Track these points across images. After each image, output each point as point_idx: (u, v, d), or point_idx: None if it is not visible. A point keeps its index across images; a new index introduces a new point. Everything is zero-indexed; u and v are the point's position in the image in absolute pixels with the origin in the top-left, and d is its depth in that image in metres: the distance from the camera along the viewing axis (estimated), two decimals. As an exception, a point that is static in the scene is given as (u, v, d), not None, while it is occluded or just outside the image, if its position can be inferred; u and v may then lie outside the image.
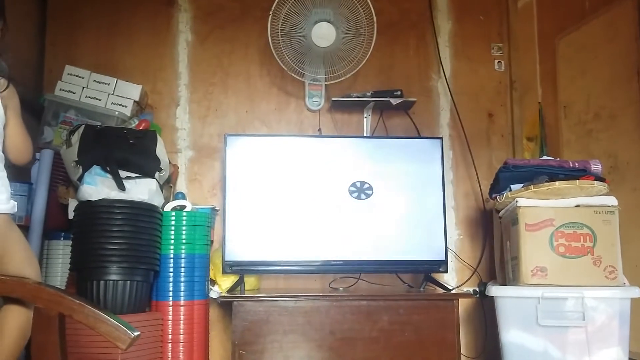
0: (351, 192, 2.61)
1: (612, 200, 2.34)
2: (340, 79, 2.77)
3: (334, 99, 2.87)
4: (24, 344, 1.62)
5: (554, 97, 3.13)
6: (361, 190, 2.62)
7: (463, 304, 2.80)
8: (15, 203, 1.66)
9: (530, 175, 2.41)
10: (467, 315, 2.86)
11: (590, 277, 2.27)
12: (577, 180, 2.30)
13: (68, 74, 2.65)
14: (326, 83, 2.86)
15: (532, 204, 2.36)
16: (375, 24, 2.71)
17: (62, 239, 2.46)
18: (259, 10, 2.90)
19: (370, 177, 2.63)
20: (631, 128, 2.76)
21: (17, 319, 1.59)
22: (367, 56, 2.74)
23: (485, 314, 2.79)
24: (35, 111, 2.62)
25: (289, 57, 2.72)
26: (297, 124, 2.96)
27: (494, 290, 2.38)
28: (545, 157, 2.65)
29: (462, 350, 2.50)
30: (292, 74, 2.76)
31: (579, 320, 2.24)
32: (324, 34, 2.71)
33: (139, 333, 1.32)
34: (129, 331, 1.30)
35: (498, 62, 3.10)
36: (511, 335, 2.31)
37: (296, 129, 2.95)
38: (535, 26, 3.29)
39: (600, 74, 2.97)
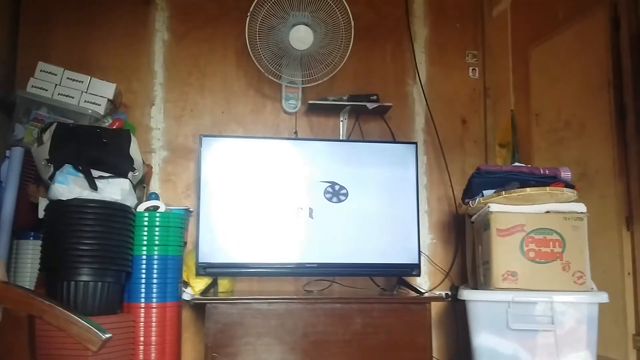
0: (326, 195, 2.62)
1: (581, 207, 2.39)
2: (317, 82, 2.77)
3: (310, 102, 2.88)
4: None
5: (527, 105, 3.18)
6: (336, 194, 2.62)
7: (435, 307, 2.82)
8: None
9: (502, 181, 2.45)
10: (439, 318, 2.89)
11: (560, 282, 2.31)
12: (548, 187, 2.35)
13: (41, 70, 2.60)
14: (303, 86, 2.86)
15: (503, 209, 2.39)
16: (352, 29, 2.72)
17: (31, 238, 2.41)
18: (237, 12, 2.89)
19: (345, 180, 2.64)
20: (601, 137, 2.82)
21: None
22: (344, 60, 2.75)
23: (457, 318, 2.82)
24: (7, 108, 2.57)
25: (266, 59, 2.72)
26: (273, 126, 2.95)
27: (466, 294, 2.41)
28: (517, 164, 2.70)
29: (434, 353, 2.52)
30: (269, 76, 2.76)
31: (549, 324, 2.28)
32: (301, 37, 2.72)
33: (110, 335, 1.30)
34: (100, 333, 1.28)
35: (472, 69, 3.15)
36: (482, 339, 2.34)
37: (272, 131, 2.94)
38: (510, 35, 3.35)
39: (572, 83, 3.03)
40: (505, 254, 2.34)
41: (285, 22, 2.71)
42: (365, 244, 2.60)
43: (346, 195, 2.63)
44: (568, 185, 2.40)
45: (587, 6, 2.93)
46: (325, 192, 2.62)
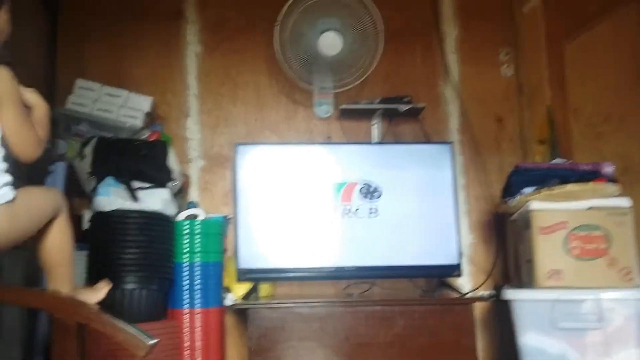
0: (362, 198, 2.61)
1: (625, 202, 2.33)
2: (348, 87, 2.78)
3: (342, 107, 2.88)
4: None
5: (563, 100, 3.11)
6: (372, 196, 2.62)
7: (479, 308, 2.79)
8: (9, 190, 1.41)
9: (542, 179, 2.40)
10: (483, 319, 2.85)
11: (606, 279, 2.25)
12: (590, 183, 2.30)
13: (79, 87, 2.67)
14: (334, 91, 2.86)
15: (544, 207, 2.35)
16: (381, 32, 2.72)
17: (77, 249, 2.45)
18: (266, 22, 2.91)
19: (381, 183, 2.63)
20: (642, 130, 2.75)
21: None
22: (374, 64, 2.76)
23: (502, 318, 2.77)
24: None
25: (296, 67, 2.74)
26: (306, 132, 2.97)
27: (510, 293, 2.36)
28: (556, 160, 2.65)
29: (479, 354, 2.48)
30: (300, 83, 2.78)
31: (596, 322, 2.21)
32: (330, 43, 2.73)
33: (156, 340, 1.32)
34: (146, 339, 1.30)
35: (506, 66, 3.11)
36: (528, 339, 2.29)
37: (305, 137, 2.95)
38: (543, 30, 3.29)
39: (608, 76, 2.96)
40: (548, 252, 2.30)
41: (313, 29, 2.73)
42: (404, 246, 2.59)
43: (382, 197, 2.62)
44: (610, 180, 2.35)
45: (619, -1, 2.87)
46: (361, 194, 2.61)
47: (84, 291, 1.62)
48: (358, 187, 2.62)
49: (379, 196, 2.62)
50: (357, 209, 2.60)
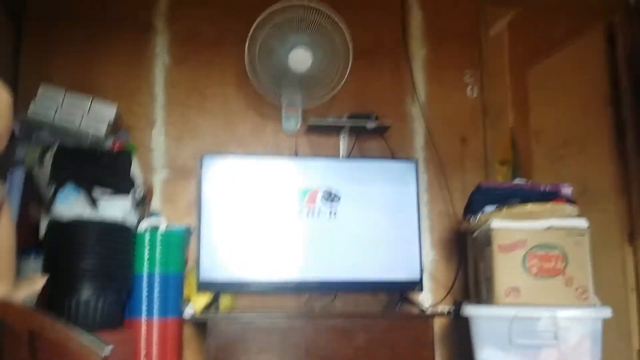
0: (327, 213, 2.62)
1: (582, 223, 2.39)
2: (316, 103, 2.79)
3: (310, 123, 2.90)
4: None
5: (526, 123, 3.21)
6: (336, 211, 2.63)
7: (439, 323, 2.80)
8: None
9: (503, 198, 2.45)
10: (442, 334, 2.86)
11: (563, 298, 2.30)
12: (549, 203, 2.35)
13: (43, 93, 2.62)
14: (303, 107, 2.88)
15: (505, 225, 2.39)
16: (350, 50, 2.75)
17: (32, 257, 2.40)
18: (236, 35, 2.91)
19: (346, 197, 2.65)
20: (601, 154, 2.84)
21: None
22: (343, 81, 2.77)
23: (460, 334, 2.79)
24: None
25: (265, 82, 2.75)
26: (273, 146, 2.97)
27: (469, 309, 2.39)
28: (517, 181, 2.70)
29: (438, 371, 2.50)
30: (269, 98, 2.79)
31: (552, 339, 2.26)
32: (300, 59, 2.75)
33: (111, 347, 1.29)
34: (101, 347, 1.28)
35: (471, 88, 3.17)
36: (485, 354, 2.31)
37: (273, 151, 2.95)
38: (507, 54, 3.39)
39: (570, 101, 3.06)
40: (507, 269, 2.34)
41: (284, 44, 2.74)
42: (367, 260, 2.60)
43: (347, 212, 2.63)
44: (569, 200, 2.40)
45: (583, 25, 2.97)
46: (326, 209, 2.62)
47: (21, 284, 1.59)
48: (323, 202, 2.63)
49: (344, 211, 2.63)
50: (321, 224, 2.60)
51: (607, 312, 2.28)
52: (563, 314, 2.27)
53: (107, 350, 1.28)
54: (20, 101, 2.74)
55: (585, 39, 2.97)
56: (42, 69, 2.85)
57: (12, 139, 2.47)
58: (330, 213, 2.63)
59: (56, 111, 2.60)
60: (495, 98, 3.22)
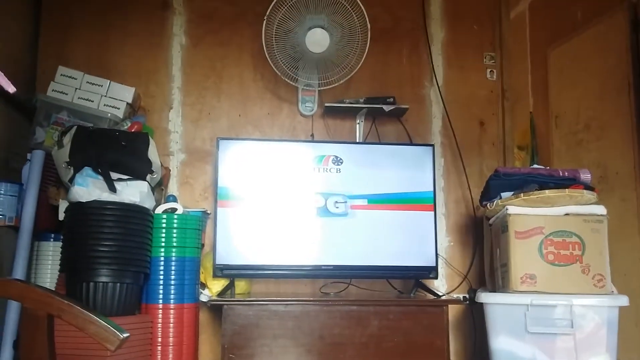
0: (343, 197, 2.62)
1: (601, 210, 2.37)
2: (333, 85, 2.77)
3: (326, 104, 2.88)
4: None
5: (545, 107, 3.16)
6: (352, 195, 2.63)
7: (453, 310, 2.81)
8: None
9: (521, 184, 2.43)
10: (457, 321, 2.87)
11: (579, 285, 2.29)
12: (567, 189, 2.32)
13: (61, 74, 2.63)
14: (319, 89, 2.86)
15: (522, 211, 2.37)
16: (369, 31, 2.72)
17: (52, 240, 2.43)
18: (253, 15, 2.91)
19: (362, 182, 2.64)
20: (621, 139, 2.79)
21: None
22: (361, 63, 2.75)
23: (475, 321, 2.80)
24: (28, 111, 2.61)
25: (282, 62, 2.73)
26: (289, 129, 2.96)
27: (484, 297, 2.39)
28: (535, 166, 2.67)
29: (451, 357, 2.50)
30: (286, 79, 2.77)
31: (568, 327, 2.25)
32: (317, 40, 2.72)
33: (128, 334, 1.31)
34: (118, 332, 1.30)
35: (490, 71, 3.13)
36: (500, 342, 2.32)
37: (289, 134, 2.95)
38: (528, 36, 3.33)
39: (591, 85, 3.00)
40: (523, 256, 2.32)
41: (301, 25, 2.71)
42: (381, 246, 2.60)
43: (363, 197, 2.63)
44: (587, 187, 2.38)
45: (606, 8, 2.90)
46: (342, 193, 2.62)
47: None
48: (338, 187, 2.63)
49: (360, 195, 2.63)
50: (336, 208, 2.60)
51: (624, 300, 2.27)
52: (579, 301, 2.26)
53: (124, 336, 1.31)
54: (39, 82, 2.78)
55: (608, 21, 2.90)
56: (60, 50, 2.86)
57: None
58: (348, 202, 2.63)
59: (75, 92, 2.62)
60: (514, 81, 3.17)
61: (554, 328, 2.26)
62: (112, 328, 1.30)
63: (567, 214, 2.37)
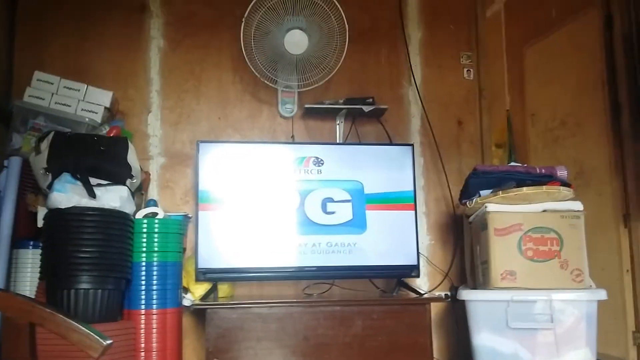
0: (324, 199, 2.63)
1: (578, 205, 2.41)
2: (312, 87, 2.78)
3: (306, 106, 2.89)
4: None
5: (522, 105, 3.20)
6: (333, 196, 2.64)
7: (435, 308, 2.83)
8: None
9: (499, 181, 2.46)
10: (439, 319, 2.90)
11: (558, 280, 2.32)
12: (544, 186, 2.36)
13: (37, 79, 2.60)
14: (299, 90, 2.87)
15: (500, 209, 2.41)
16: (347, 32, 2.74)
17: (31, 247, 2.41)
18: (232, 18, 2.90)
19: (342, 183, 2.65)
20: (596, 135, 2.83)
21: None
22: (340, 64, 2.77)
23: (457, 318, 2.83)
24: (4, 117, 2.58)
25: (261, 64, 2.73)
26: (270, 131, 2.96)
27: (465, 294, 2.42)
28: (513, 164, 2.71)
29: (435, 354, 2.52)
30: (265, 81, 2.77)
31: (548, 322, 2.29)
32: (296, 41, 2.73)
33: (111, 341, 1.31)
34: (101, 340, 1.29)
35: (467, 70, 3.16)
36: (482, 338, 2.35)
37: (269, 136, 2.95)
38: (504, 35, 3.37)
39: (566, 82, 3.04)
40: (503, 253, 2.35)
41: (280, 26, 2.72)
42: (363, 246, 2.61)
43: (344, 198, 2.64)
44: (564, 183, 2.41)
45: (580, 5, 2.95)
46: (323, 194, 2.63)
47: None
48: (319, 188, 2.64)
49: (342, 197, 2.64)
50: (317, 209, 2.61)
51: (602, 294, 2.31)
52: (558, 296, 2.30)
53: (107, 343, 1.30)
54: (16, 88, 2.74)
55: (582, 19, 2.95)
56: (37, 55, 2.82)
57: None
58: (329, 203, 2.64)
59: (52, 97, 2.59)
60: (491, 80, 3.21)
61: (534, 323, 2.30)
62: (95, 335, 1.29)
63: (544, 211, 2.41)
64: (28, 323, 1.36)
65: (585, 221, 2.37)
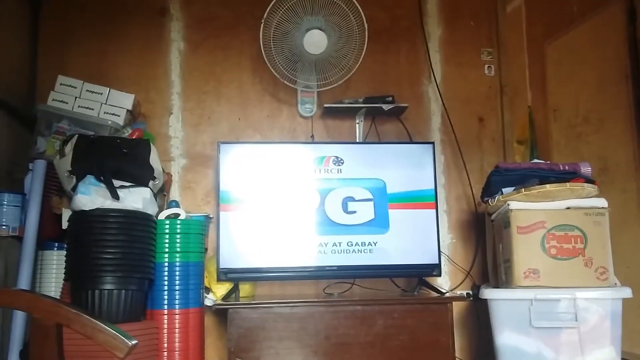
0: (345, 198, 2.63)
1: (602, 202, 2.37)
2: (332, 86, 2.79)
3: (326, 105, 2.89)
4: None
5: (544, 101, 3.15)
6: (354, 195, 2.64)
7: (457, 307, 2.82)
8: None
9: (522, 179, 2.44)
10: (461, 318, 2.88)
11: (582, 279, 2.29)
12: (568, 183, 2.33)
13: (61, 84, 2.65)
14: (318, 90, 2.88)
15: (523, 206, 2.38)
16: (366, 31, 2.73)
17: (55, 249, 2.45)
18: (252, 19, 2.92)
19: (363, 182, 2.65)
20: (620, 130, 2.79)
21: None
22: (359, 63, 2.77)
23: (479, 317, 2.81)
24: (29, 121, 2.63)
25: (281, 65, 2.74)
26: (289, 131, 2.97)
27: (487, 293, 2.40)
28: (535, 161, 2.68)
29: (457, 353, 2.51)
30: (285, 82, 2.78)
31: (572, 321, 2.26)
32: (315, 41, 2.73)
33: (136, 342, 1.33)
34: (126, 340, 1.31)
35: (488, 66, 3.14)
36: (505, 337, 2.33)
37: (289, 136, 2.96)
38: (524, 31, 3.32)
39: (588, 77, 3.00)
40: (526, 251, 2.33)
41: (299, 27, 2.73)
42: (384, 245, 2.61)
43: (365, 197, 2.64)
44: (588, 180, 2.38)
45: (602, 0, 2.90)
46: (344, 194, 2.63)
47: None
48: (341, 187, 2.64)
49: (362, 196, 2.64)
50: (338, 209, 2.62)
51: (627, 292, 2.27)
52: (583, 295, 2.27)
53: (132, 343, 1.32)
54: (39, 92, 2.79)
55: (604, 13, 2.90)
56: (60, 60, 2.88)
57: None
58: (350, 202, 2.64)
59: (75, 101, 2.63)
60: (512, 76, 3.18)
61: (558, 322, 2.27)
62: (120, 336, 1.31)
63: (568, 208, 2.38)
64: (55, 324, 1.38)
65: (610, 218, 2.34)
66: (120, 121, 2.63)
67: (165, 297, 2.29)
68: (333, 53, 2.75)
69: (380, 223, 2.63)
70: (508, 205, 2.40)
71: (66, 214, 2.33)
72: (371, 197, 2.65)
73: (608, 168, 2.83)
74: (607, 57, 2.87)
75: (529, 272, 2.32)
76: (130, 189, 2.27)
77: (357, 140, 2.95)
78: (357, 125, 2.98)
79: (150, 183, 2.36)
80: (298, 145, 2.82)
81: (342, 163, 2.66)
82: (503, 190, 2.47)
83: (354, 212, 2.63)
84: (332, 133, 2.98)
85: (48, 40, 2.91)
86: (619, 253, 2.37)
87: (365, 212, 2.63)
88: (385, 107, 2.87)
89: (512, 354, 2.31)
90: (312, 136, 2.95)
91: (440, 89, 3.06)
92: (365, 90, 2.98)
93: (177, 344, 2.26)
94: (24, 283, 2.29)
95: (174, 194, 2.85)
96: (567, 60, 3.12)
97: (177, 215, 2.44)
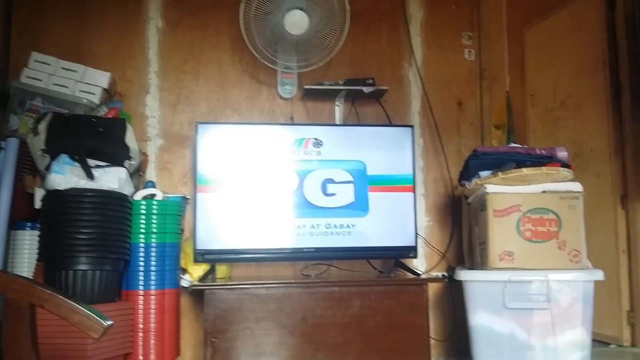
0: (324, 180, 2.63)
1: (577, 186, 2.40)
2: (312, 67, 2.77)
3: (306, 87, 2.88)
4: None
5: (522, 86, 3.17)
6: (332, 178, 2.63)
7: (432, 288, 2.85)
8: None
9: (499, 162, 2.46)
10: (436, 299, 2.92)
11: (556, 261, 2.33)
12: (544, 167, 2.35)
13: (34, 60, 2.59)
14: (298, 71, 2.86)
15: (500, 190, 2.40)
16: (348, 12, 2.71)
17: (28, 228, 2.42)
18: (231, -3, 2.88)
19: (342, 164, 2.65)
20: (596, 116, 2.81)
21: None
22: (340, 44, 2.75)
23: (454, 298, 2.85)
24: (1, 99, 2.57)
25: (261, 45, 2.71)
26: (269, 112, 2.95)
27: (462, 274, 2.42)
28: (512, 145, 2.70)
29: (431, 333, 2.55)
30: (265, 62, 2.76)
31: (545, 302, 2.29)
32: (296, 21, 2.70)
33: (112, 322, 1.31)
34: (101, 320, 1.29)
35: (469, 51, 3.14)
36: (479, 318, 2.36)
37: (268, 117, 2.94)
38: (505, 15, 3.32)
39: (567, 63, 3.01)
40: (501, 234, 2.35)
41: (279, 6, 2.69)
42: (361, 227, 2.62)
43: (343, 179, 2.64)
44: (564, 164, 2.41)
45: (582, -15, 2.91)
46: (323, 175, 2.63)
47: None
48: (318, 169, 2.63)
49: (341, 178, 2.64)
50: (316, 190, 2.61)
51: (599, 275, 2.31)
52: (555, 277, 2.30)
53: (108, 324, 1.31)
54: (13, 69, 2.73)
55: (584, 0, 2.91)
56: (34, 37, 2.81)
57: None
58: (327, 184, 2.64)
59: (49, 78, 2.58)
60: (492, 61, 3.18)
61: (531, 303, 2.30)
62: (95, 316, 1.30)
63: (544, 192, 2.40)
64: (28, 304, 1.36)
65: (584, 202, 2.37)
66: (96, 100, 2.58)
67: (141, 277, 2.28)
68: (314, 34, 2.73)
69: (360, 206, 2.64)
70: (485, 188, 2.41)
71: (39, 194, 2.29)
72: (351, 179, 2.65)
73: (583, 153, 2.86)
74: (586, 43, 2.88)
75: (504, 254, 2.34)
76: (106, 169, 2.25)
77: (337, 123, 2.94)
78: (336, 107, 2.97)
79: (126, 163, 2.33)
80: (277, 126, 2.80)
81: (322, 145, 2.65)
82: (480, 173, 2.49)
83: (333, 194, 2.63)
84: (312, 115, 2.97)
85: (22, 16, 2.83)
86: (592, 237, 2.41)
87: (345, 194, 2.63)
88: (366, 89, 2.87)
89: (486, 335, 2.34)
90: (292, 118, 2.94)
91: (421, 72, 3.06)
92: (345, 73, 2.97)
93: (152, 324, 2.26)
94: (-4, 263, 2.26)
95: (151, 174, 2.82)
96: (546, 45, 3.13)
97: (153, 195, 2.42)
